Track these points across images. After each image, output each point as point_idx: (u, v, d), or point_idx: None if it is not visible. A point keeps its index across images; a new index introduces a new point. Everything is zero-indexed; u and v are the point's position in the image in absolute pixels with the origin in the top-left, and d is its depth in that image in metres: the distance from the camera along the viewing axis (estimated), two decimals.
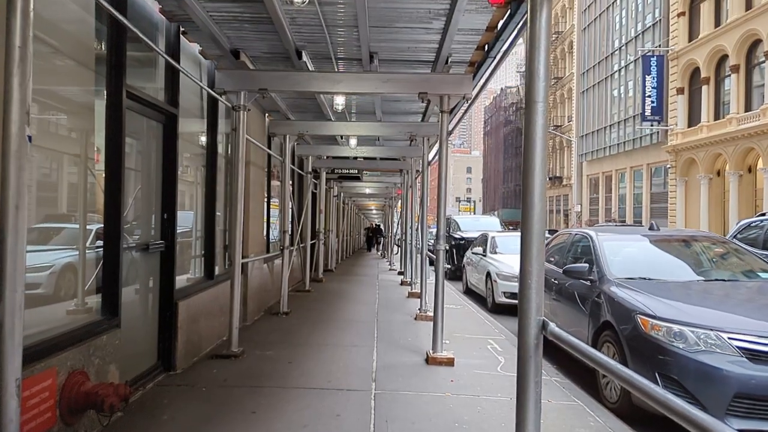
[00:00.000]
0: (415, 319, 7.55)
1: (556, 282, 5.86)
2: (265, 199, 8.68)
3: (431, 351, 5.28)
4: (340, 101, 6.18)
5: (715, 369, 3.34)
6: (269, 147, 8.45)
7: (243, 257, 6.75)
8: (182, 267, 5.19)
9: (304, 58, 5.14)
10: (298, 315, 7.62)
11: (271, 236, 8.88)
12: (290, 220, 10.39)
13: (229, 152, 6.35)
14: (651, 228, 5.46)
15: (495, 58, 4.85)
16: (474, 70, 5.29)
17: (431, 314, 7.49)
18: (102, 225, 3.58)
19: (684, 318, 3.69)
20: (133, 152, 4.19)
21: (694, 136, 26.96)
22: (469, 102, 5.44)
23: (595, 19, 39.20)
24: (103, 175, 3.59)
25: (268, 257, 8.10)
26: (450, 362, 5.16)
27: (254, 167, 7.25)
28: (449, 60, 5.13)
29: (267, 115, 7.85)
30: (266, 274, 8.05)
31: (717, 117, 25.81)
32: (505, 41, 4.47)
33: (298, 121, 7.86)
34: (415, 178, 10.40)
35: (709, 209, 26.34)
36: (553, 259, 6.72)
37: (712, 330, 3.51)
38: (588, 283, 4.96)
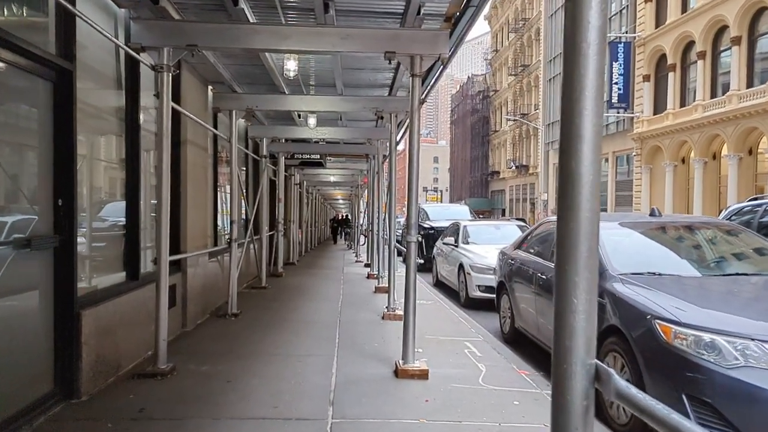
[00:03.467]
0: (383, 318, 6.72)
1: (543, 276, 5.12)
2: (212, 186, 7.63)
3: (401, 361, 4.46)
4: (291, 66, 5.22)
5: (760, 390, 2.63)
6: (215, 126, 7.39)
7: (180, 252, 5.76)
8: (92, 267, 4.17)
9: (242, 4, 4.15)
10: (248, 317, 6.66)
11: (224, 228, 7.85)
12: (243, 209, 9.36)
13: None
14: (652, 214, 4.77)
15: (476, 6, 4.00)
16: (451, 26, 4.43)
17: (400, 312, 6.67)
18: None
19: (714, 324, 2.98)
20: (2, 117, 3.14)
21: (660, 124, 27.08)
22: (444, 64, 4.58)
23: (562, 5, 38.96)
24: None
25: (214, 252, 7.08)
26: (423, 375, 4.36)
27: (194, 147, 6.20)
28: (421, 11, 4.25)
29: (210, 88, 6.78)
30: (213, 270, 7.04)
31: (683, 104, 25.94)
32: None
33: (246, 94, 6.82)
34: (382, 164, 9.52)
35: (674, 197, 26.58)
36: (534, 250, 6.00)
37: (752, 339, 2.80)
38: None
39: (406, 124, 7.64)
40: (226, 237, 7.35)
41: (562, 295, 1.22)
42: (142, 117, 4.84)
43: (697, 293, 3.61)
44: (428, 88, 5.27)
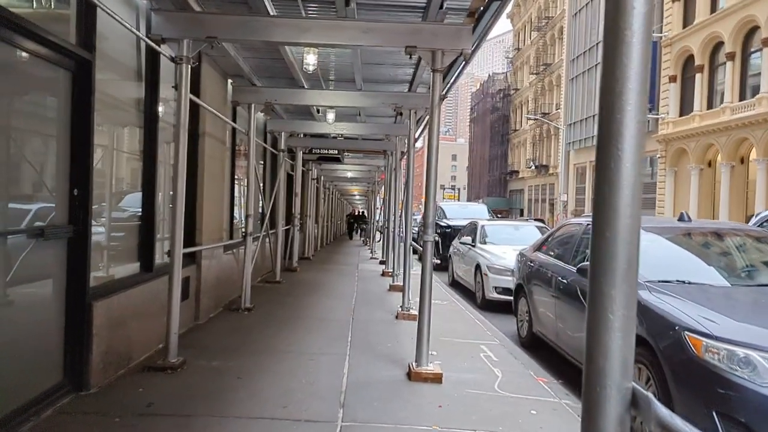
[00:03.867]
0: (397, 318, 6.63)
1: (563, 280, 4.96)
2: (230, 179, 7.62)
3: (414, 364, 4.36)
4: (311, 60, 5.13)
5: None
6: (234, 119, 7.36)
7: (195, 245, 5.74)
8: (107, 257, 4.15)
9: None
10: (261, 312, 6.63)
11: (240, 221, 7.84)
12: (259, 202, 9.35)
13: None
14: (681, 219, 4.57)
15: (501, 1, 3.85)
16: (474, 21, 4.29)
17: (415, 312, 6.57)
18: None
19: (749, 338, 2.81)
20: (20, 105, 3.12)
21: (686, 126, 26.38)
22: (466, 60, 4.44)
23: (586, 5, 38.27)
24: None
25: (229, 245, 7.06)
26: (437, 378, 4.25)
27: (213, 140, 6.17)
28: (444, 5, 4.12)
29: (230, 81, 6.75)
30: (227, 263, 7.02)
31: (710, 106, 25.22)
32: None
33: (265, 87, 6.77)
34: (400, 160, 9.40)
35: (699, 201, 25.89)
36: (554, 253, 5.83)
37: None
38: None
39: (425, 120, 7.52)
40: (242, 230, 7.34)
41: (597, 310, 1.10)
42: (161, 109, 4.81)
43: (728, 304, 3.43)
44: (449, 84, 5.14)
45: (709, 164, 25.93)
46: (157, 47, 4.18)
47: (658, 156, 29.24)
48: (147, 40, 4.10)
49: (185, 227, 5.81)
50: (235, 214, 7.81)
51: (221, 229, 6.75)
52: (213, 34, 4.12)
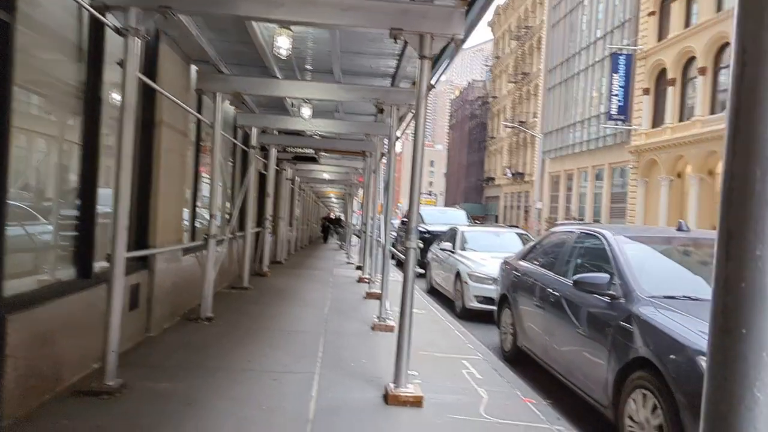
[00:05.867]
0: (373, 329, 6.12)
1: (554, 293, 4.55)
2: (194, 176, 7.00)
3: (392, 385, 3.86)
4: (284, 44, 4.61)
5: None
6: (199, 110, 6.76)
7: (148, 247, 5.12)
8: (29, 262, 3.53)
9: None
10: (223, 322, 6.03)
11: (205, 222, 7.21)
12: (228, 203, 8.72)
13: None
14: (680, 228, 4.22)
15: None
16: (467, 5, 3.85)
17: (392, 323, 6.08)
18: None
19: None
20: None
21: (658, 138, 26.77)
22: (457, 47, 4.00)
23: (565, 16, 38.75)
24: None
25: (191, 247, 6.44)
26: (417, 402, 3.76)
27: (172, 131, 5.56)
28: None
29: (194, 67, 6.15)
30: (188, 268, 6.39)
31: (681, 119, 25.65)
32: None
33: (233, 75, 6.19)
34: (380, 161, 8.92)
35: (669, 211, 26.25)
36: (542, 262, 5.44)
37: None
38: (607, 299, 3.65)
39: (408, 118, 7.07)
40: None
41: (723, 357, 0.63)
42: (107, 91, 4.21)
43: None
44: (439, 73, 4.71)
45: (679, 175, 26.34)
46: (100, 16, 3.59)
47: (630, 166, 29.63)
48: (87, 6, 3.51)
49: (137, 228, 5.22)
50: (198, 214, 7.19)
51: (180, 230, 6.13)
52: (167, 3, 3.57)
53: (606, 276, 3.68)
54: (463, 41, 3.83)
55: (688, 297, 3.36)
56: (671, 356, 2.81)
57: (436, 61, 4.41)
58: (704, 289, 3.54)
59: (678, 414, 2.73)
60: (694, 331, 2.85)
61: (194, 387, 3.80)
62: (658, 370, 2.90)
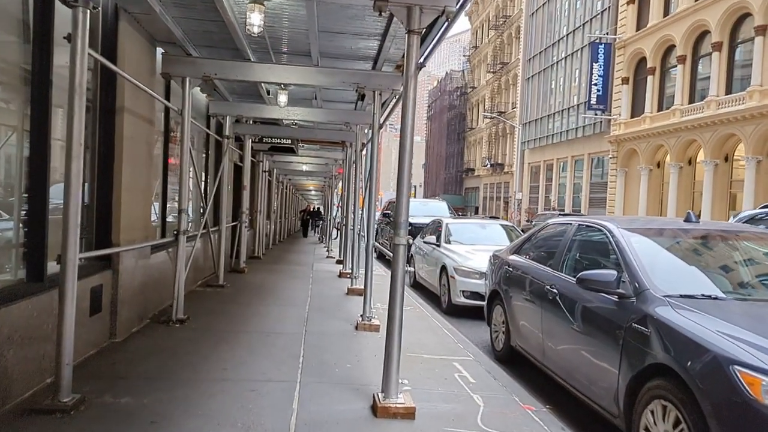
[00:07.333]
0: (357, 328, 5.78)
1: (553, 290, 4.26)
2: (162, 168, 6.51)
3: (381, 395, 3.53)
4: (256, 20, 4.18)
5: None
6: (167, 97, 6.26)
7: (111, 245, 4.67)
8: None
9: None
10: (197, 324, 5.61)
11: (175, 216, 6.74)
12: (202, 196, 8.24)
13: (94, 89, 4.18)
14: (688, 219, 3.96)
15: None
16: None
17: (377, 323, 5.74)
18: None
19: None
20: None
21: (637, 127, 26.94)
22: (449, 21, 3.65)
23: (543, 5, 38.64)
24: None
25: (161, 244, 5.98)
26: (409, 413, 3.44)
27: (136, 119, 5.08)
28: None
29: (159, 49, 5.65)
30: (158, 266, 5.93)
31: (660, 108, 25.83)
32: None
33: (203, 58, 5.71)
34: (361, 151, 8.53)
35: (648, 200, 26.52)
36: (537, 256, 5.15)
37: None
38: (615, 298, 3.37)
39: (390, 105, 6.69)
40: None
41: None
42: (58, 73, 3.73)
43: None
44: (428, 51, 4.34)
45: (658, 165, 26.61)
46: None
47: (609, 156, 29.82)
48: None
49: (98, 225, 4.75)
50: (168, 209, 6.71)
51: (147, 226, 5.66)
52: None
53: (613, 273, 3.39)
54: (456, 15, 3.48)
55: (707, 296, 3.09)
56: (697, 364, 2.53)
57: (424, 38, 4.05)
58: (724, 287, 3.30)
59: (707, 429, 2.44)
60: (722, 336, 2.58)
61: (161, 402, 3.41)
62: (680, 378, 2.62)
